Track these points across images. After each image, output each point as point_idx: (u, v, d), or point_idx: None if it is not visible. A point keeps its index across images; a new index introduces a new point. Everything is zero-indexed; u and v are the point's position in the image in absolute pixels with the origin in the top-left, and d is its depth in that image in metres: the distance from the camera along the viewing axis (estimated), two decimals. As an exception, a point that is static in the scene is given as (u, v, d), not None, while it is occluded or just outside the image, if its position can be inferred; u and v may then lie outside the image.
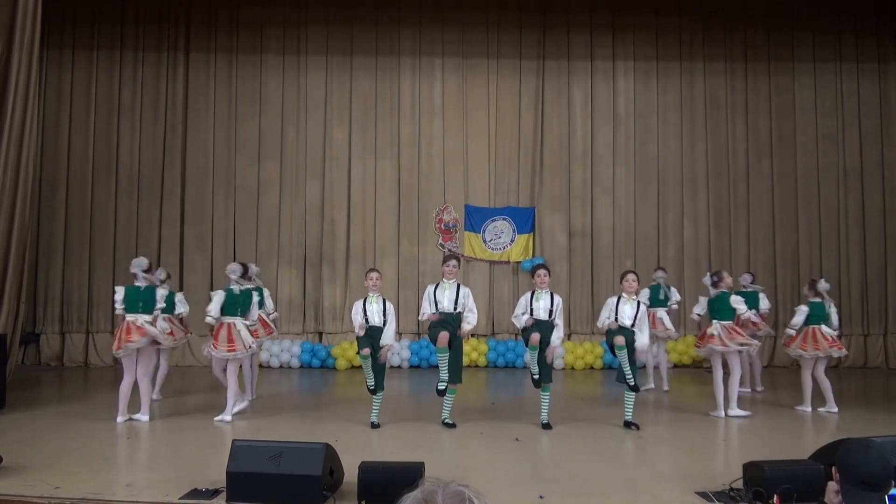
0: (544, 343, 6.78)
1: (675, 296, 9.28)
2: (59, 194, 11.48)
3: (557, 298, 6.95)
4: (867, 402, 8.79)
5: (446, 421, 6.89)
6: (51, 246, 11.43)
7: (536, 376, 6.88)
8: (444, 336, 6.63)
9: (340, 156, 11.90)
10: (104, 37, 11.73)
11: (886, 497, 2.32)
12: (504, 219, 11.91)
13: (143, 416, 7.00)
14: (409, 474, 4.53)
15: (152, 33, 11.79)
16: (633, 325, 6.79)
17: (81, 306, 11.40)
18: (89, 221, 11.49)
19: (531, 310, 6.86)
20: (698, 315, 8.16)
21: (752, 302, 8.66)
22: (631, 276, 6.94)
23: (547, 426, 6.81)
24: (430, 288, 7.00)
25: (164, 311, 7.35)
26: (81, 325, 11.39)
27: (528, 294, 6.99)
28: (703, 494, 4.74)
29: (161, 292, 7.14)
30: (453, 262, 7.02)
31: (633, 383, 6.75)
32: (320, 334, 11.75)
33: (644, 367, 9.67)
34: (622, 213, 11.93)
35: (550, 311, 6.83)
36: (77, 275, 11.44)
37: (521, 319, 6.89)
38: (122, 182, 11.61)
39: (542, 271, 6.98)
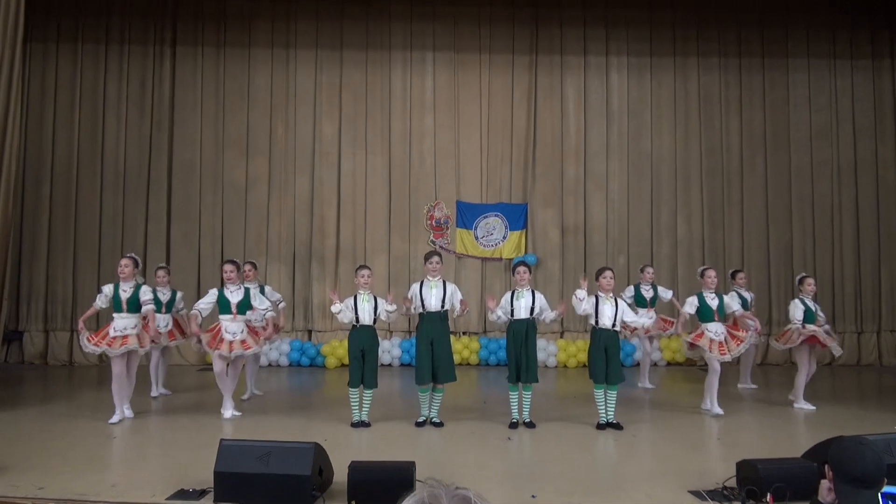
0: (531, 340, 6.86)
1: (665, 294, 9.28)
2: (44, 189, 11.40)
3: (539, 295, 6.95)
4: (860, 399, 8.84)
5: (434, 420, 6.91)
6: (34, 242, 11.34)
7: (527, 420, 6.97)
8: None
9: (330, 151, 11.86)
10: (89, 29, 11.65)
11: (879, 494, 2.33)
12: (496, 215, 11.91)
13: (128, 412, 7.08)
14: (400, 474, 4.53)
15: (138, 26, 11.71)
16: (613, 326, 6.78)
17: (66, 303, 11.33)
18: (74, 217, 11.41)
19: (511, 310, 6.87)
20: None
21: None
22: (608, 274, 6.88)
23: (530, 424, 6.83)
24: (416, 286, 7.02)
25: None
26: (66, 322, 11.30)
27: (509, 293, 6.99)
28: (696, 493, 4.76)
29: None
30: (436, 258, 7.02)
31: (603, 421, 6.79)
32: (310, 332, 11.72)
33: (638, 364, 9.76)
34: (615, 210, 11.96)
35: (531, 310, 6.84)
36: (61, 271, 11.36)
37: (497, 314, 6.91)
38: (107, 177, 11.53)
39: (521, 268, 6.96)
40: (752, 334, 8.04)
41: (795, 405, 7.77)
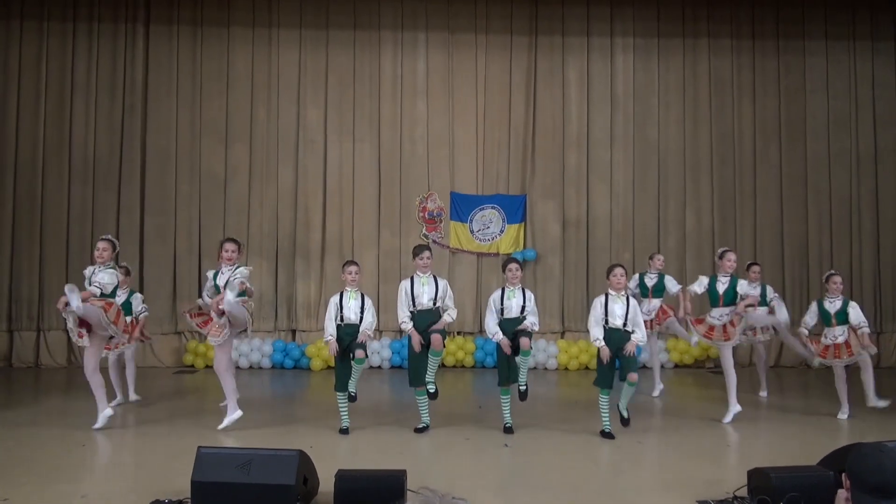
0: (515, 346, 6.81)
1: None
2: (6, 181, 11.34)
3: (529, 294, 6.96)
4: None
5: (429, 388, 6.86)
6: (-3, 236, 11.31)
7: (524, 387, 6.89)
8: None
9: (315, 139, 11.84)
10: (55, 6, 11.56)
11: (899, 505, 2.34)
12: (493, 207, 11.91)
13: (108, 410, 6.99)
14: (390, 483, 4.54)
15: (108, 3, 11.62)
16: (624, 325, 6.77)
17: (31, 302, 11.28)
18: (40, 210, 11.36)
19: (502, 309, 6.85)
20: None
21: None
22: (618, 271, 6.86)
23: (509, 430, 6.84)
24: (405, 284, 6.95)
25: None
26: (31, 322, 11.28)
27: (499, 292, 6.97)
28: (705, 503, 4.78)
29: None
30: (427, 253, 7.00)
31: (626, 416, 6.78)
32: (293, 332, 11.72)
33: (645, 367, 9.74)
34: (620, 202, 11.98)
35: (523, 308, 6.84)
36: (27, 268, 11.31)
37: (490, 328, 6.84)
38: (75, 167, 11.47)
39: (513, 265, 6.96)
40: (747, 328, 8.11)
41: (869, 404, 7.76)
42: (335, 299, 6.92)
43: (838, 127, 12.10)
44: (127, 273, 8.33)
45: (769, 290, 9.12)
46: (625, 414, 6.77)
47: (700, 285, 7.68)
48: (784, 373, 11.20)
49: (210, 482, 4.52)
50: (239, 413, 6.92)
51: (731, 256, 7.64)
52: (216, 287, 6.92)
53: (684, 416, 7.85)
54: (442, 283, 6.98)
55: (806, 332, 7.84)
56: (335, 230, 11.78)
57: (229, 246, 6.96)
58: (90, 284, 6.80)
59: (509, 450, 6.35)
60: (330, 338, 6.80)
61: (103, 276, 6.80)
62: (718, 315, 7.50)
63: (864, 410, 7.79)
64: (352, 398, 6.85)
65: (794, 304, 11.60)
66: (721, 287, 7.54)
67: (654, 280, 9.05)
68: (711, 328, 7.48)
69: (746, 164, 12.07)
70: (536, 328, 6.95)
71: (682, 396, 9.14)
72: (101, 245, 7.00)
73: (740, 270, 9.51)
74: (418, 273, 6.94)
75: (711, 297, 7.59)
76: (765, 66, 12.13)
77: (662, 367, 10.98)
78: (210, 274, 7.09)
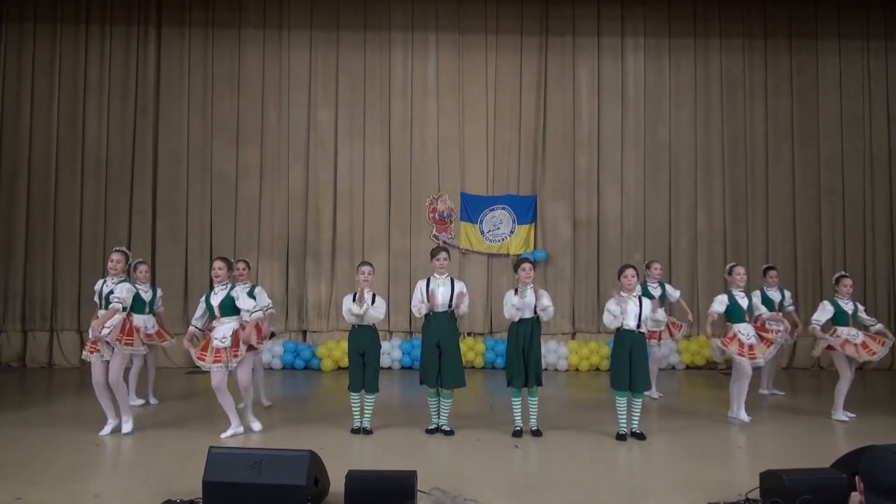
0: (535, 341, 6.86)
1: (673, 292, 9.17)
2: (20, 181, 11.43)
3: (542, 292, 6.97)
4: (894, 406, 8.83)
5: (444, 428, 6.94)
6: (11, 238, 11.38)
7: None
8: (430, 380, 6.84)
9: (326, 140, 11.87)
10: (68, 8, 11.65)
11: (914, 508, 2.32)
12: (503, 208, 11.90)
13: (128, 426, 6.87)
14: (400, 483, 4.55)
15: (121, 5, 11.71)
16: (638, 327, 6.79)
17: (45, 302, 11.37)
18: (53, 211, 11.44)
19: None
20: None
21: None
22: (630, 272, 6.90)
23: (537, 433, 6.86)
24: (422, 283, 7.03)
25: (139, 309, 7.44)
26: (45, 322, 11.36)
27: (512, 292, 6.98)
28: (717, 505, 4.77)
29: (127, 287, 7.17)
30: (444, 254, 7.05)
31: (623, 432, 6.79)
32: (304, 333, 11.75)
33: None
34: (631, 203, 11.94)
35: (534, 308, 6.86)
36: (40, 268, 11.40)
37: (513, 312, 6.83)
38: (88, 168, 11.55)
39: (527, 265, 6.97)
40: (783, 335, 8.01)
41: (833, 416, 7.64)
42: (348, 298, 6.97)
43: (851, 127, 12.02)
44: (149, 268, 8.47)
45: (787, 294, 9.11)
46: (636, 429, 6.87)
47: (721, 304, 7.59)
48: (797, 374, 11.14)
49: (221, 482, 4.54)
50: (241, 429, 6.92)
51: (741, 270, 7.65)
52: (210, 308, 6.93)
53: (695, 417, 7.82)
54: (458, 284, 7.02)
55: (818, 328, 7.72)
56: (345, 231, 11.80)
57: (217, 263, 6.97)
58: (99, 298, 6.85)
59: (520, 451, 6.35)
60: (356, 310, 6.83)
61: (121, 290, 6.81)
62: (746, 332, 7.46)
63: (878, 413, 7.73)
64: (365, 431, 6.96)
65: (806, 304, 11.55)
66: (744, 303, 7.55)
67: (658, 290, 8.86)
68: (741, 345, 7.38)
69: (758, 165, 12.01)
70: (549, 307, 6.92)
71: (692, 398, 9.09)
72: (114, 257, 6.96)
73: (755, 273, 9.49)
74: (435, 274, 6.99)
75: (736, 314, 7.52)
76: (777, 65, 12.07)
77: (673, 368, 10.97)
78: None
